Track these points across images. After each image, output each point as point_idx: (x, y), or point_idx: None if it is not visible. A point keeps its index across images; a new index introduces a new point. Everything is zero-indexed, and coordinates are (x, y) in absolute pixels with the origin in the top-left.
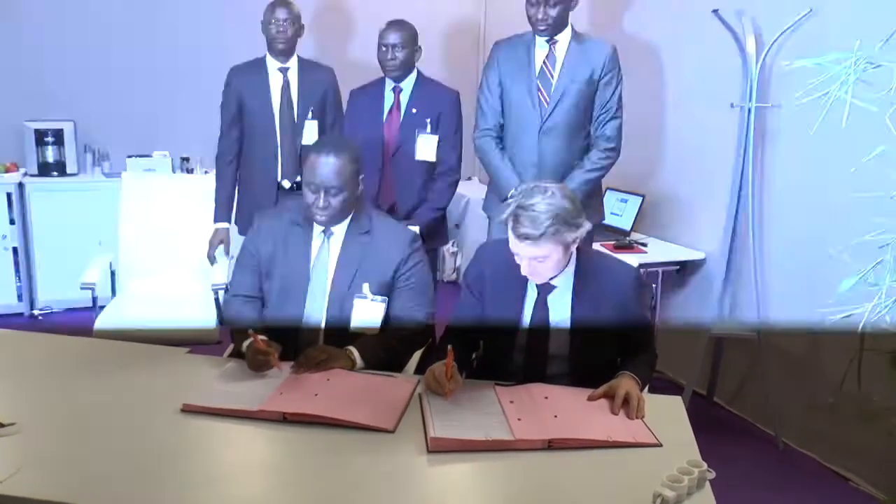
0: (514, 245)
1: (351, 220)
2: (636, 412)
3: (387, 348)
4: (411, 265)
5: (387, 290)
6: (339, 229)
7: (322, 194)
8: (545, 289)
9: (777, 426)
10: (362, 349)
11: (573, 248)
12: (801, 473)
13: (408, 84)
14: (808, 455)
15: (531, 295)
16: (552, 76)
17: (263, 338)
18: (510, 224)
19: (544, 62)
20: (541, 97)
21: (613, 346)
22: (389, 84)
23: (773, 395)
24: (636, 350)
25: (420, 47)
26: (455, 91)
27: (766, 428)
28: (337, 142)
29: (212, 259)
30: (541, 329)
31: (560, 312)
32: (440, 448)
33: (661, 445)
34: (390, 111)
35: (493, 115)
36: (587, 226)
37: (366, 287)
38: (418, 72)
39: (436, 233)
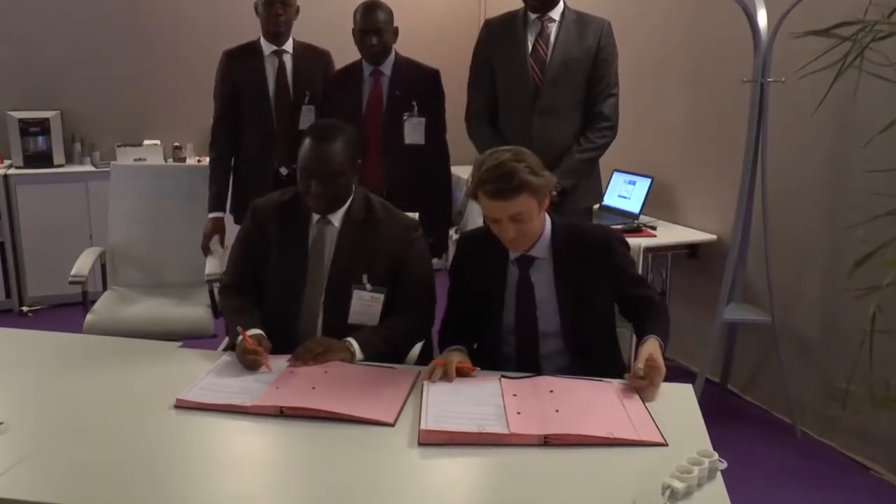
0: (491, 209)
1: (349, 208)
2: (651, 379)
3: (387, 340)
4: (412, 254)
5: (386, 280)
6: (337, 217)
7: (316, 182)
8: (525, 263)
9: (793, 414)
10: (362, 341)
11: (545, 206)
12: (820, 463)
13: (387, 66)
14: (826, 443)
15: (513, 273)
16: (545, 54)
17: (257, 332)
18: (483, 188)
19: (536, 40)
20: (534, 76)
21: (605, 313)
22: (368, 68)
23: (789, 382)
24: (644, 308)
25: (397, 27)
26: (435, 69)
27: (781, 416)
28: (332, 126)
29: (206, 250)
30: (528, 306)
31: (544, 286)
32: (430, 440)
33: (666, 445)
34: (370, 96)
35: (484, 96)
36: (552, 178)
37: (364, 278)
38: (395, 52)
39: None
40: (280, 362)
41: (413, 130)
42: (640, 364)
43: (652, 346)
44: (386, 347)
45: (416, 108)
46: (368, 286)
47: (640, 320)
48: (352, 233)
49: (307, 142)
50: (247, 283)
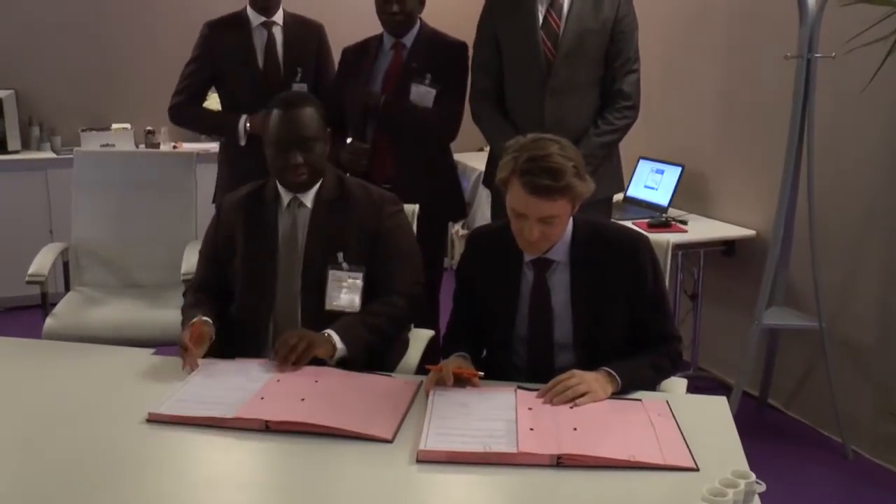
0: (523, 204)
1: (320, 187)
2: (550, 395)
3: (372, 328)
4: (391, 228)
5: (363, 259)
6: (308, 198)
7: (298, 150)
8: (542, 266)
9: (844, 432)
10: (343, 332)
11: (575, 211)
12: (875, 487)
13: (409, 38)
14: (881, 465)
15: (528, 276)
16: (558, 26)
17: (203, 318)
18: (521, 178)
19: (548, 10)
20: (545, 51)
21: (624, 329)
22: (389, 40)
23: (839, 396)
24: (646, 339)
25: None
26: (461, 41)
27: (830, 434)
28: (298, 94)
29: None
30: (543, 315)
31: (561, 293)
32: (429, 459)
33: (697, 470)
34: (389, 71)
35: (490, 75)
36: (592, 184)
37: (340, 256)
38: (421, 22)
39: (449, 204)
40: (263, 370)
41: (420, 99)
42: (545, 390)
43: (590, 375)
44: (370, 335)
45: (429, 79)
46: (345, 265)
47: (635, 349)
48: (324, 212)
49: (276, 113)
50: (211, 285)
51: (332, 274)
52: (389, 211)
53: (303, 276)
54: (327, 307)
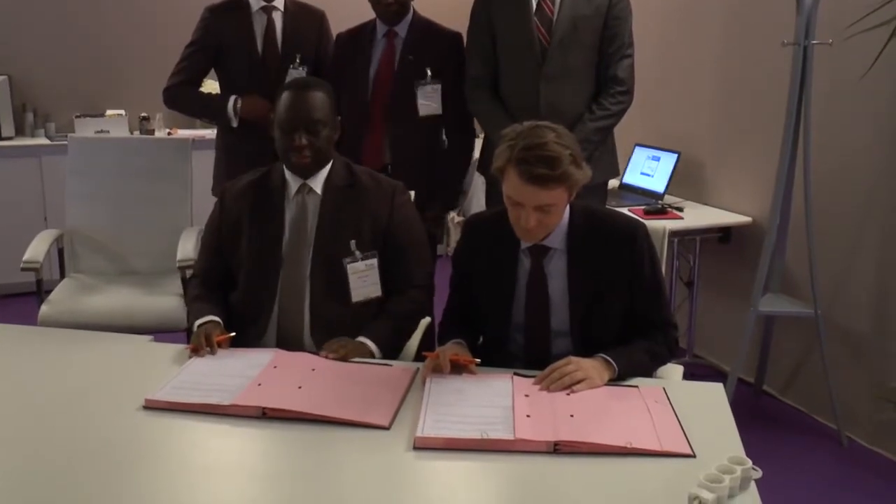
0: (519, 192)
1: (329, 174)
2: (546, 382)
3: (398, 329)
4: (403, 220)
5: (375, 246)
6: (317, 184)
7: (303, 132)
8: (539, 253)
9: (839, 419)
10: (377, 339)
11: (572, 198)
12: (869, 473)
13: (402, 27)
14: (876, 452)
15: (524, 263)
16: (552, 12)
17: (213, 318)
18: (517, 167)
19: None
20: (539, 37)
21: (621, 316)
22: (382, 28)
23: (834, 383)
24: (642, 326)
25: None
26: (457, 32)
27: (826, 421)
28: (310, 79)
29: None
30: (540, 302)
31: (557, 280)
32: (426, 446)
33: (693, 456)
34: (382, 59)
35: (484, 61)
36: (590, 171)
37: (353, 244)
38: (413, 11)
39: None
40: (261, 356)
41: (427, 99)
42: (542, 377)
43: (587, 362)
44: (400, 339)
45: (429, 76)
46: (358, 253)
47: (631, 336)
48: (335, 199)
49: (286, 94)
50: (215, 275)
51: (351, 267)
52: (400, 201)
53: (312, 260)
54: (354, 300)
